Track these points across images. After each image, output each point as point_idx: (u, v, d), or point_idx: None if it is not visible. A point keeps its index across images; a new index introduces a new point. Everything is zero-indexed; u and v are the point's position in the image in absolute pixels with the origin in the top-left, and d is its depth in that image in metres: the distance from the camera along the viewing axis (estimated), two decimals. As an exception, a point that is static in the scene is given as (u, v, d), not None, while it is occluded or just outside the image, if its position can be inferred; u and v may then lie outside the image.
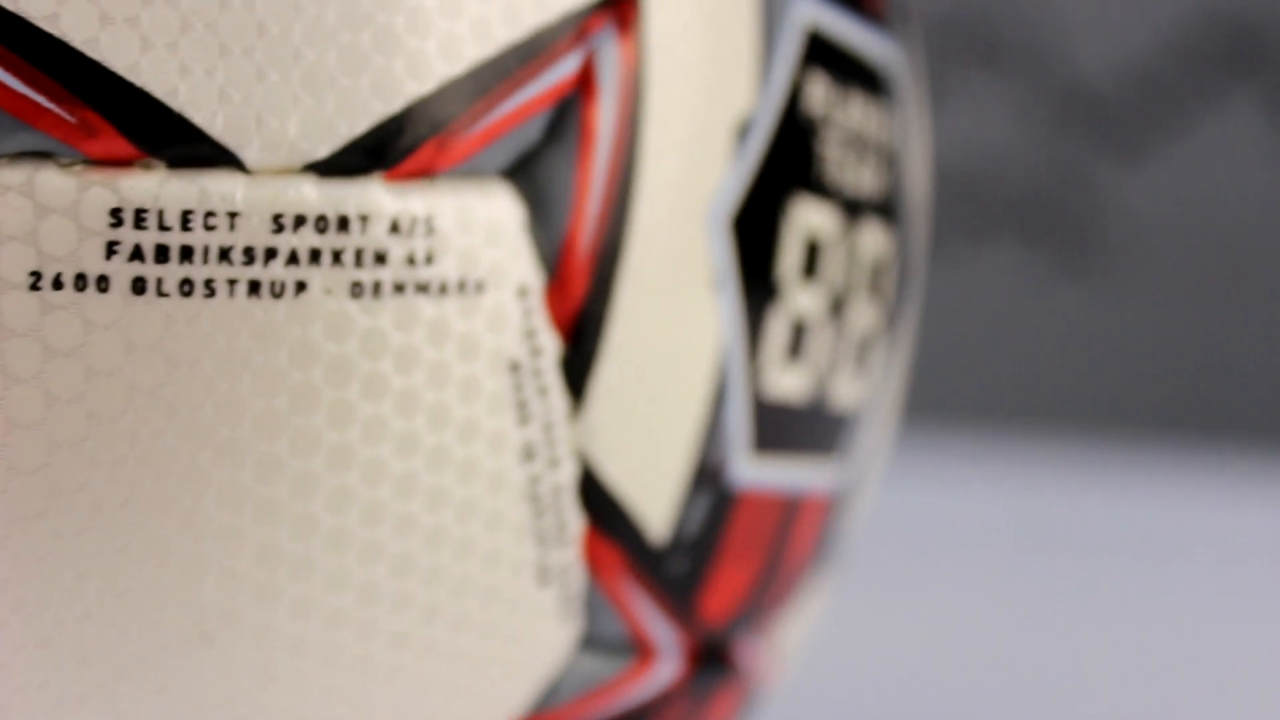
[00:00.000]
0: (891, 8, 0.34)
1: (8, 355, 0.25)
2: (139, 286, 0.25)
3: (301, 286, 0.25)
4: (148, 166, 0.25)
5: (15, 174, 0.25)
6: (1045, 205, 1.13)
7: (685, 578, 0.30)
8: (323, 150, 0.25)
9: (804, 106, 0.30)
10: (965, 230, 1.12)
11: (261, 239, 0.25)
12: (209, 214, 0.25)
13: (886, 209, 0.33)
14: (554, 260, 0.27)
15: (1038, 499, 0.84)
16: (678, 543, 0.30)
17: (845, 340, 0.32)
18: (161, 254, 0.25)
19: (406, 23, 0.26)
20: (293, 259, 0.25)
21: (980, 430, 1.01)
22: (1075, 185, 1.13)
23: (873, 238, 0.33)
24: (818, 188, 0.31)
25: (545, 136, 0.27)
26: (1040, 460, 0.91)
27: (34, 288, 0.25)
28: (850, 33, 0.32)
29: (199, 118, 0.25)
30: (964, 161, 1.12)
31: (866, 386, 0.33)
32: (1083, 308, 1.11)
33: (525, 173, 0.27)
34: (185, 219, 0.25)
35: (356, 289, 0.26)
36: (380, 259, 0.26)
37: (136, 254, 0.25)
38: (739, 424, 0.30)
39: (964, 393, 1.08)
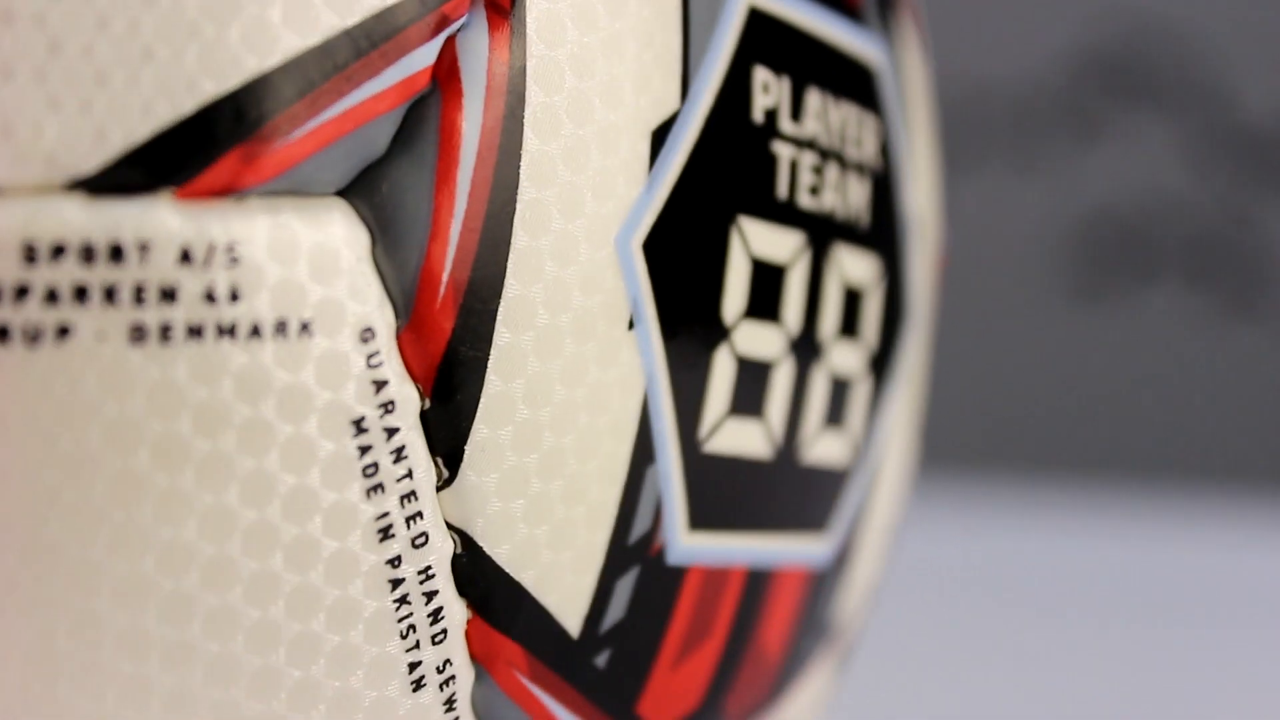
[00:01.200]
0: (870, -7, 0.29)
1: None
2: None
3: (64, 331, 0.21)
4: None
5: None
6: (1212, 245, 1.08)
7: (614, 673, 0.25)
8: (90, 163, 0.21)
9: (744, 109, 0.25)
10: (1131, 271, 1.07)
11: (9, 273, 0.20)
12: (-52, 244, 0.20)
13: (867, 232, 0.28)
14: (408, 296, 0.22)
15: (1216, 553, 0.78)
16: (599, 633, 0.25)
17: (814, 387, 0.27)
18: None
19: (201, 5, 0.21)
20: (51, 297, 0.21)
21: (1156, 479, 0.96)
22: (1242, 225, 1.07)
23: (848, 266, 0.27)
24: (767, 207, 0.25)
25: (394, 144, 0.22)
26: (1217, 511, 0.86)
27: None
28: (809, 19, 0.27)
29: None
30: (1128, 202, 1.07)
31: (848, 442, 0.28)
32: (1252, 347, 1.06)
33: (368, 189, 0.22)
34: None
35: (138, 333, 0.21)
36: (168, 296, 0.21)
37: None
38: (673, 488, 0.25)
39: (1132, 438, 1.03)
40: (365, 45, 0.22)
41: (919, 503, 0.94)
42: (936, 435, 1.08)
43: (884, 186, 0.28)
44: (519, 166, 0.23)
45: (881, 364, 0.28)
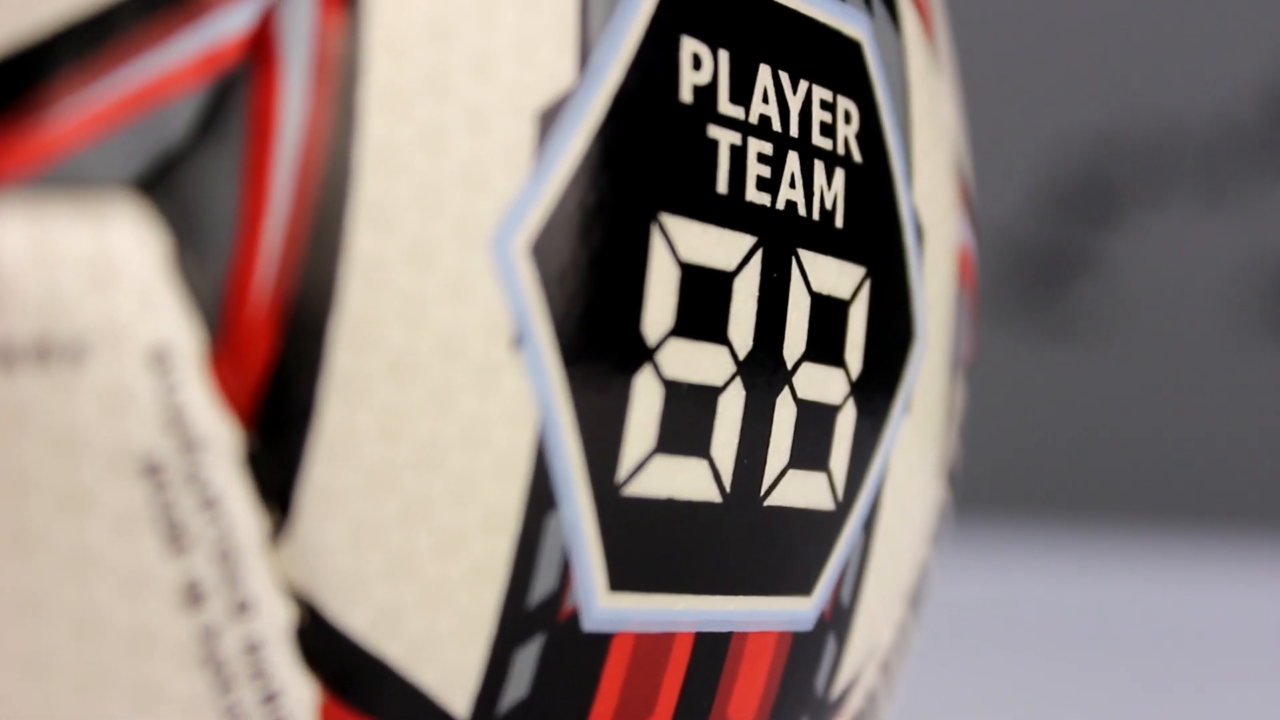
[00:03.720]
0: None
1: None
2: None
3: None
4: None
5: None
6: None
7: (525, 765, 0.21)
8: None
9: (667, 86, 0.21)
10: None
11: None
12: None
13: (843, 234, 0.23)
14: (216, 311, 0.18)
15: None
16: (497, 714, 0.20)
17: (777, 416, 0.22)
18: None
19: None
20: None
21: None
22: None
23: (817, 274, 0.23)
24: (700, 203, 0.21)
25: (197, 130, 0.18)
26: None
27: None
28: (755, -18, 0.22)
29: None
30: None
31: (824, 485, 0.23)
32: None
33: (165, 182, 0.18)
34: None
35: None
36: (-109, 313, 0.17)
37: None
38: (584, 539, 0.21)
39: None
40: (153, 4, 0.18)
41: (1128, 555, 0.89)
42: (1123, 479, 1.03)
43: (868, 181, 0.24)
44: (357, 155, 0.19)
45: (873, 392, 0.24)
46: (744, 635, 0.23)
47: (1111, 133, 1.06)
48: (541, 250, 0.20)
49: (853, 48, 0.24)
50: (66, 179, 0.18)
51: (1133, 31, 1.04)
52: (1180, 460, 1.03)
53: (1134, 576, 0.85)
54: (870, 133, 0.24)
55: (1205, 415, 1.02)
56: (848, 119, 0.23)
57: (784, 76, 0.22)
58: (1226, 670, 0.63)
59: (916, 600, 0.27)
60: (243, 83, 0.19)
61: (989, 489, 1.03)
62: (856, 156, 0.23)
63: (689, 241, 0.21)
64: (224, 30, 0.18)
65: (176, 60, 0.18)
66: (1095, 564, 0.90)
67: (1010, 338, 1.06)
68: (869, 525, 0.24)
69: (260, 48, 0.19)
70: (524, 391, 0.20)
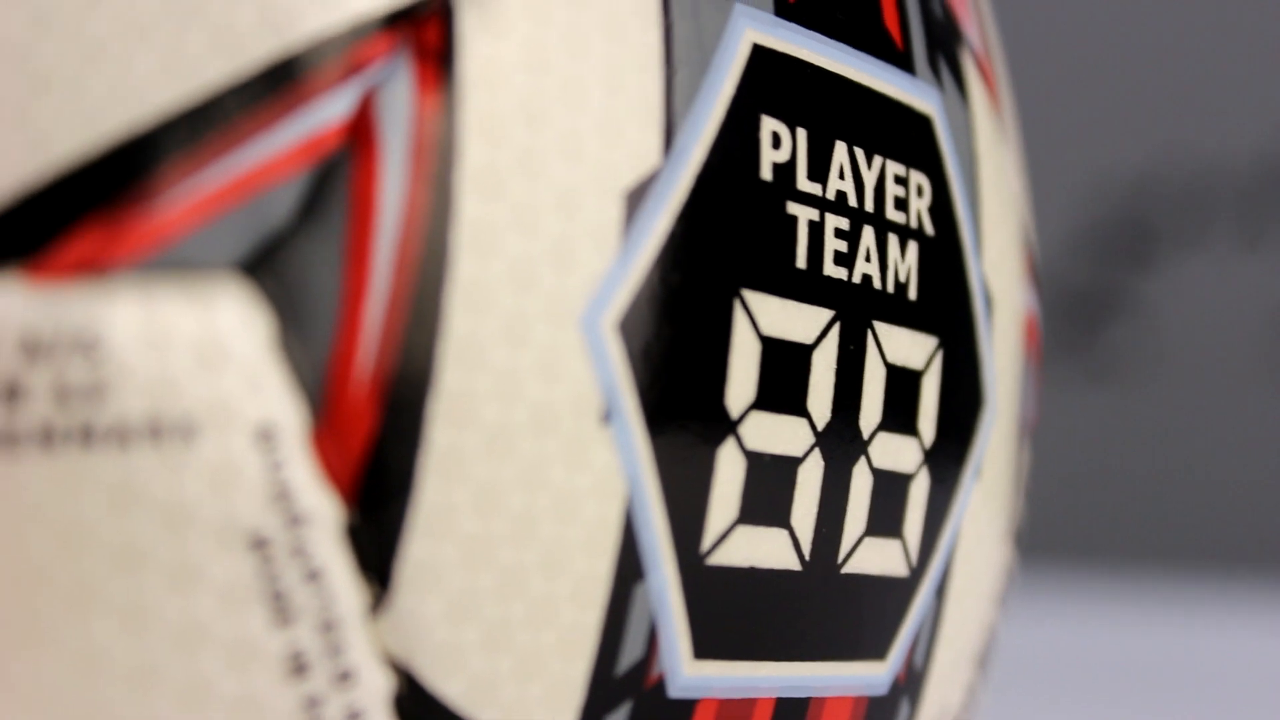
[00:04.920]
0: (917, 29, 0.25)
1: None
2: None
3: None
4: None
5: None
6: None
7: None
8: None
9: (749, 165, 0.21)
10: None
11: None
12: None
13: (917, 306, 0.24)
14: (320, 390, 0.19)
15: None
16: (586, 780, 0.21)
17: (854, 486, 0.23)
18: None
19: (57, 51, 0.18)
20: None
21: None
22: None
23: (892, 345, 0.23)
24: (781, 278, 0.22)
25: (300, 214, 0.19)
26: None
27: None
28: (834, 60, 0.23)
29: None
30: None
31: (898, 552, 0.24)
32: None
33: (269, 266, 0.19)
34: None
35: (-26, 440, 0.18)
36: (12, 395, 0.18)
37: None
38: (670, 608, 0.21)
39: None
40: (260, 91, 0.19)
41: (1153, 601, 0.89)
42: (1158, 521, 1.03)
43: (939, 253, 0.24)
44: (454, 236, 0.19)
45: (946, 459, 0.24)
46: (822, 700, 0.23)
47: (1149, 174, 1.07)
48: (628, 327, 0.20)
49: (924, 123, 0.24)
50: (175, 263, 0.18)
51: (1170, 73, 1.04)
52: (1217, 503, 1.03)
53: (1167, 620, 0.85)
54: (941, 205, 0.24)
55: (1242, 456, 1.02)
56: (920, 193, 0.24)
57: (859, 152, 0.23)
58: (1255, 717, 0.63)
59: (984, 662, 0.27)
60: (343, 166, 0.19)
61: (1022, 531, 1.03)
62: (929, 229, 0.24)
63: (769, 316, 0.22)
64: (326, 117, 0.19)
65: (280, 146, 0.19)
66: (1129, 607, 0.90)
67: (1047, 379, 1.06)
68: (941, 590, 0.25)
69: (360, 132, 0.19)
70: (613, 464, 0.20)
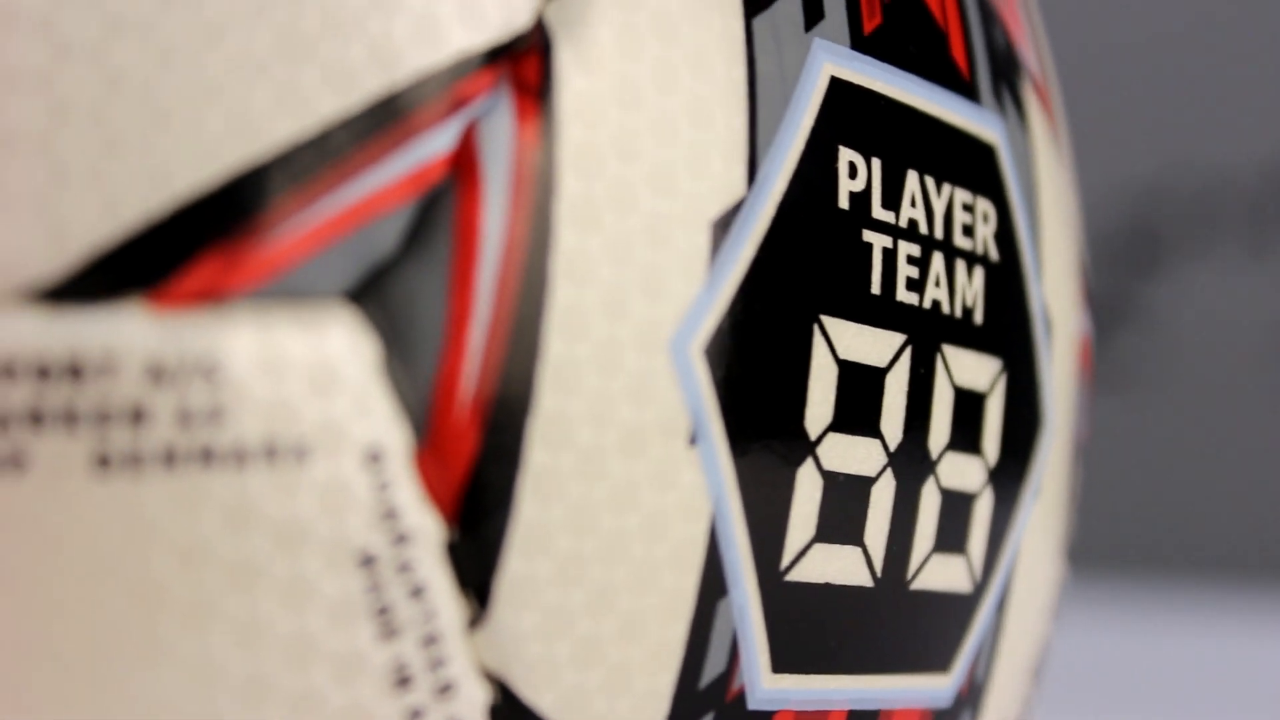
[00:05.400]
0: (981, 59, 0.25)
1: None
2: None
3: (17, 462, 0.18)
4: None
5: None
6: None
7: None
8: (46, 269, 0.18)
9: (827, 194, 0.22)
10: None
11: (-47, 397, 0.18)
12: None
13: (983, 330, 0.24)
14: (424, 413, 0.20)
15: None
16: (669, 790, 0.22)
17: (923, 505, 0.24)
18: None
19: (178, 90, 0.19)
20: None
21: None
22: None
23: (959, 368, 0.24)
24: (857, 304, 0.23)
25: (405, 243, 0.20)
26: None
27: None
28: (906, 92, 0.24)
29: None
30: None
31: (967, 567, 0.25)
32: None
33: (377, 293, 0.19)
34: None
35: (102, 462, 0.18)
36: (137, 418, 0.18)
37: None
38: (751, 624, 0.22)
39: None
40: (369, 128, 0.19)
41: (1177, 613, 0.90)
42: (1165, 529, 1.04)
43: (1003, 278, 0.25)
44: (552, 265, 0.20)
45: (1008, 478, 0.25)
46: (890, 712, 0.24)
47: (1156, 184, 1.07)
48: (714, 352, 0.21)
49: (989, 151, 0.25)
50: (288, 291, 0.19)
51: (1179, 85, 1.05)
52: (1225, 510, 1.04)
53: (1175, 627, 0.86)
54: (1005, 231, 0.25)
55: (1250, 464, 1.03)
56: (986, 219, 0.25)
57: (929, 181, 0.24)
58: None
59: (1038, 673, 0.28)
60: (447, 197, 0.20)
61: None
62: (994, 255, 0.25)
63: (846, 340, 0.22)
64: (431, 150, 0.20)
65: (387, 178, 0.20)
66: (1136, 613, 0.90)
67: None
68: (1001, 604, 0.26)
69: (463, 164, 0.20)
70: (699, 485, 0.21)
